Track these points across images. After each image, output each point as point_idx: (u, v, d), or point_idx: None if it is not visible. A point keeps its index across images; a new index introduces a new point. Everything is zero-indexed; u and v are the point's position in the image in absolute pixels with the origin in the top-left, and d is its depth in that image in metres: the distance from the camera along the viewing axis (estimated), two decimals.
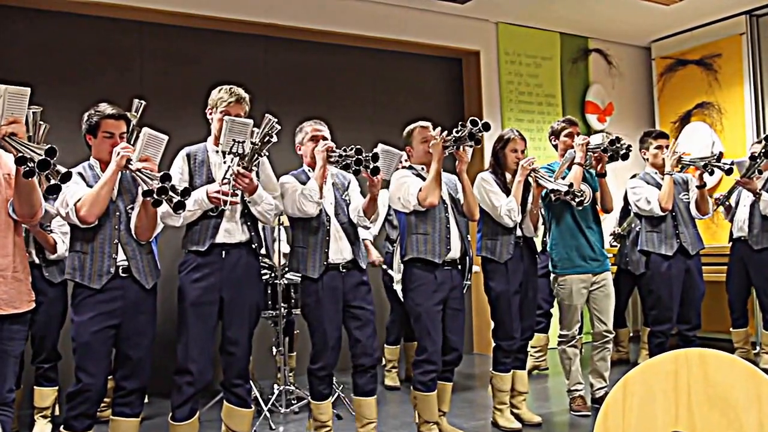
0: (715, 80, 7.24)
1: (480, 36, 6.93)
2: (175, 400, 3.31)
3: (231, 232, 3.40)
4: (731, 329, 5.74)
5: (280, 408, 4.58)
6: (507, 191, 4.13)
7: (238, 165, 3.24)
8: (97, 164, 3.22)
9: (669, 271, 4.54)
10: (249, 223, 3.45)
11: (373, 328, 3.64)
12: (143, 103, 4.11)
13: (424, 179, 3.86)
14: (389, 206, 5.51)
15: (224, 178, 3.26)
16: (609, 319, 4.46)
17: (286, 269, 4.72)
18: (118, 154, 2.99)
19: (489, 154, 6.76)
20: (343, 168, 3.58)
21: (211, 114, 3.54)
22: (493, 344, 4.18)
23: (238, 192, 3.30)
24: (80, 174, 3.17)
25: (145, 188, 2.89)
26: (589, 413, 4.42)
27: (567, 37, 7.42)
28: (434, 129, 4.00)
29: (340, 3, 6.14)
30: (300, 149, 3.83)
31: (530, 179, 4.12)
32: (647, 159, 4.79)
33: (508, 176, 4.21)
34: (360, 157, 3.44)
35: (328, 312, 3.56)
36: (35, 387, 4.27)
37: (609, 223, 6.99)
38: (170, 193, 2.86)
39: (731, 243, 5.68)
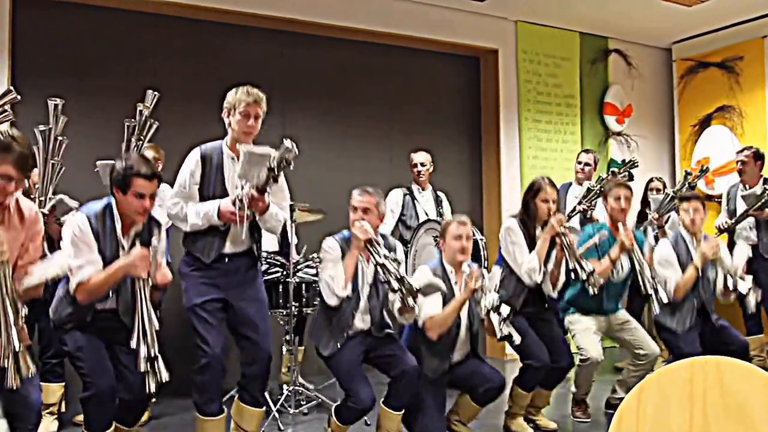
0: (737, 83, 7.17)
1: (498, 34, 6.90)
2: (199, 397, 3.36)
3: (236, 243, 3.43)
4: (746, 337, 5.69)
5: (289, 409, 4.58)
6: (534, 243, 4.07)
7: (255, 190, 3.24)
8: (118, 217, 3.10)
9: None
10: (254, 234, 3.47)
11: (407, 361, 3.58)
12: (156, 94, 4.12)
13: (446, 292, 3.78)
14: (402, 205, 5.51)
15: (238, 198, 3.26)
16: (649, 343, 4.35)
17: (298, 267, 4.72)
18: (136, 267, 2.92)
19: (505, 158, 6.82)
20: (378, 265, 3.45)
21: (228, 116, 3.50)
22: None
23: (250, 212, 3.30)
24: (89, 223, 3.03)
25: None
26: (588, 420, 4.40)
27: (587, 37, 7.37)
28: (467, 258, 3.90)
29: None
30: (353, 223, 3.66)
31: (556, 240, 3.99)
32: (681, 221, 4.68)
33: (538, 229, 4.13)
34: (403, 288, 3.29)
35: (356, 378, 3.50)
36: (42, 383, 4.28)
37: None
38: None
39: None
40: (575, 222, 5.76)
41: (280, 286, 4.64)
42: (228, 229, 3.40)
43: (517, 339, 3.61)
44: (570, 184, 6.05)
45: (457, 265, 3.86)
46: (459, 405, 3.96)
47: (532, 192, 4.14)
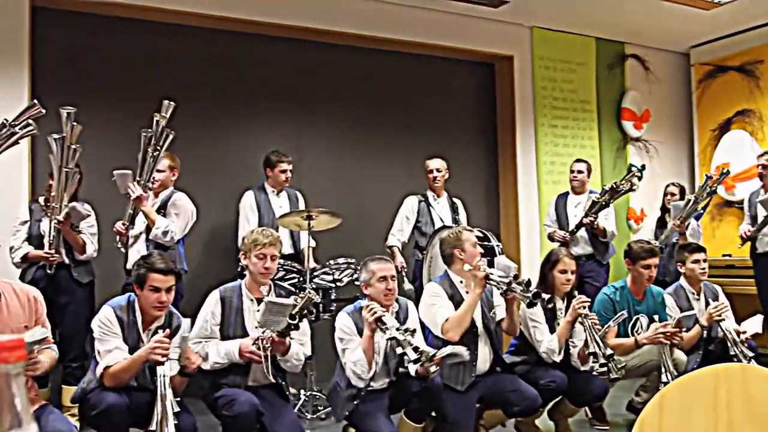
0: (757, 87, 7.08)
1: (514, 40, 6.87)
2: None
3: (259, 380, 3.46)
4: None
5: (306, 414, 4.57)
6: (554, 315, 4.05)
7: (276, 335, 3.27)
8: (139, 311, 3.20)
9: None
10: (279, 373, 3.48)
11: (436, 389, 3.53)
12: (173, 104, 4.15)
13: (457, 300, 3.77)
14: (418, 212, 5.49)
15: (260, 339, 3.30)
16: (677, 352, 4.28)
17: (315, 274, 4.72)
18: (153, 350, 2.97)
19: (521, 164, 6.78)
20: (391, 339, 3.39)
21: (245, 258, 3.55)
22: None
23: (269, 354, 3.32)
24: (115, 314, 3.15)
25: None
26: (607, 428, 4.35)
27: (603, 42, 7.32)
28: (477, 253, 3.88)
29: (373, 6, 6.14)
30: (366, 289, 3.62)
31: (578, 322, 3.93)
32: (683, 273, 4.67)
33: (558, 302, 4.10)
34: (421, 358, 3.20)
35: (376, 417, 3.45)
36: (63, 386, 4.33)
37: (644, 233, 6.89)
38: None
39: (754, 258, 5.61)
40: (583, 232, 5.73)
41: (297, 291, 4.63)
42: (249, 367, 3.44)
43: (546, 296, 3.56)
44: (567, 193, 6.03)
45: (465, 274, 3.83)
46: (486, 414, 3.94)
47: (549, 263, 4.13)
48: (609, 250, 5.78)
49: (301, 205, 5.31)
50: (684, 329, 4.16)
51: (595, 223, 5.58)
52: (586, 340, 3.85)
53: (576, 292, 4.11)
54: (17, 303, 2.87)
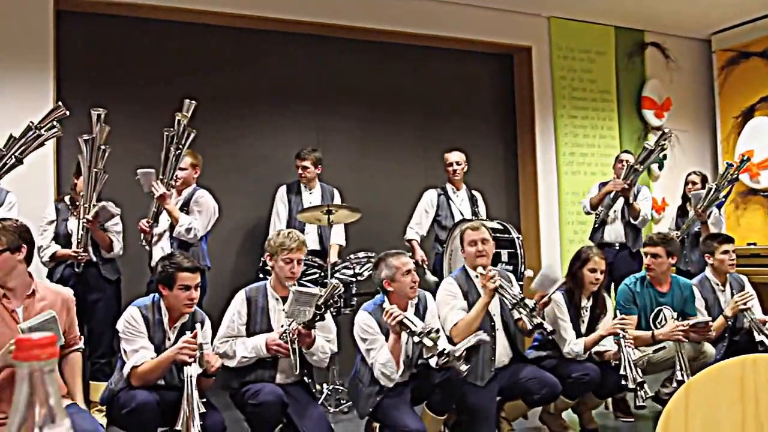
0: None
1: (531, 31, 6.82)
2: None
3: (287, 374, 3.47)
4: None
5: (329, 407, 4.59)
6: (579, 313, 4.06)
7: (302, 326, 3.30)
8: (165, 309, 3.25)
9: None
10: (304, 369, 3.49)
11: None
12: (194, 103, 4.17)
13: (472, 297, 3.79)
14: (437, 205, 5.48)
15: (285, 332, 3.32)
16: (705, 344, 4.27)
17: (336, 268, 4.73)
18: (181, 350, 3.01)
19: (541, 156, 6.74)
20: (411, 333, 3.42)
21: (271, 260, 3.57)
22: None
23: (296, 347, 3.34)
24: (141, 313, 3.20)
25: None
26: (632, 420, 4.33)
27: (622, 30, 7.25)
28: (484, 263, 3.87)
29: (391, 1, 6.12)
30: (390, 285, 3.59)
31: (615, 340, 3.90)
32: (711, 264, 4.62)
33: (583, 300, 4.10)
34: (449, 359, 3.25)
35: (401, 410, 3.44)
36: (91, 381, 4.39)
37: (666, 222, 6.83)
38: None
39: None
40: (618, 224, 5.69)
41: (319, 287, 4.65)
42: (276, 362, 3.46)
43: (548, 327, 3.58)
44: (608, 182, 5.94)
45: (480, 267, 3.83)
46: (506, 406, 3.93)
47: (579, 261, 4.11)
48: (639, 239, 5.70)
49: (336, 200, 5.31)
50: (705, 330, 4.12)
51: (630, 198, 5.50)
52: (618, 355, 3.82)
53: (608, 298, 4.13)
54: (49, 302, 2.91)
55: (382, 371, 3.41)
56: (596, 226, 5.81)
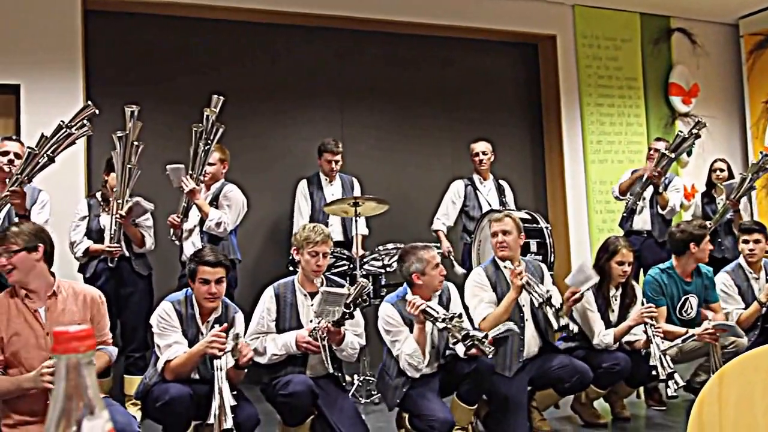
0: None
1: (556, 20, 6.75)
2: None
3: (316, 371, 3.48)
4: None
5: (360, 399, 4.60)
6: (607, 303, 4.03)
7: (331, 324, 3.30)
8: (197, 304, 3.28)
9: None
10: (335, 363, 3.49)
11: (480, 357, 3.47)
12: (222, 98, 4.19)
13: (501, 289, 3.77)
14: (464, 196, 5.45)
15: (315, 330, 3.33)
16: (737, 330, 4.16)
17: (364, 260, 4.74)
18: (210, 344, 3.03)
19: (567, 145, 6.68)
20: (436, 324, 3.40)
21: (297, 254, 3.58)
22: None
23: (325, 344, 3.35)
24: (174, 308, 3.24)
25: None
26: (664, 408, 4.29)
27: (647, 17, 7.14)
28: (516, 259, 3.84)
29: None
30: (420, 278, 3.57)
31: (644, 329, 3.85)
32: (741, 251, 4.54)
33: (612, 290, 4.07)
34: (474, 342, 3.23)
35: (430, 399, 3.45)
36: (125, 375, 4.44)
37: (691, 211, 6.71)
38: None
39: None
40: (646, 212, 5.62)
41: (347, 279, 4.66)
42: (306, 358, 3.47)
43: (574, 328, 3.57)
44: (642, 169, 5.85)
45: (505, 260, 3.81)
46: (537, 396, 3.91)
47: (607, 253, 4.06)
48: (667, 228, 5.62)
49: (357, 192, 5.33)
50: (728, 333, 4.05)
51: (660, 187, 5.43)
52: (648, 342, 3.79)
53: (638, 287, 4.10)
54: (73, 302, 2.93)
55: (409, 361, 3.41)
56: (625, 214, 5.75)
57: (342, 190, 5.26)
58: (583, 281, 3.81)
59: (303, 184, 5.27)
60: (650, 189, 5.53)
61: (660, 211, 5.56)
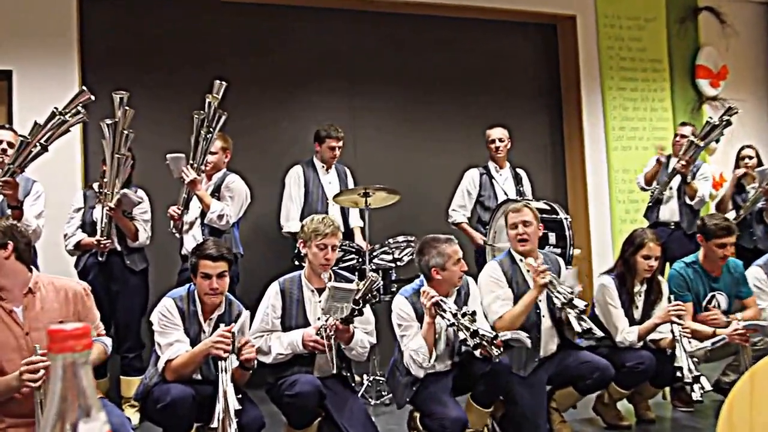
0: None
1: None
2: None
3: (323, 371, 3.47)
4: None
5: (370, 400, 4.61)
6: (631, 299, 4.01)
7: (339, 322, 3.29)
8: (199, 301, 3.29)
9: None
10: (343, 363, 3.51)
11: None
12: (224, 84, 4.19)
13: (518, 285, 3.76)
14: (480, 185, 5.43)
15: (322, 328, 3.32)
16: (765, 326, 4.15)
17: (374, 253, 4.73)
18: (215, 344, 3.03)
19: (588, 131, 6.64)
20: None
21: (304, 247, 3.57)
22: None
23: (333, 343, 3.34)
24: (176, 305, 3.24)
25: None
26: (692, 409, 4.27)
27: None
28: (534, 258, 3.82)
29: None
30: (439, 274, 3.57)
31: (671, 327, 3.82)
32: None
33: (637, 285, 4.06)
34: (483, 342, 3.21)
35: (443, 399, 3.45)
36: (121, 377, 4.45)
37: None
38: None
39: None
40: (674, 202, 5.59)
41: (356, 274, 4.66)
42: (313, 358, 3.47)
43: (598, 333, 3.55)
44: (669, 157, 5.82)
45: (525, 254, 3.79)
46: (557, 395, 3.90)
47: (633, 246, 4.04)
48: (695, 220, 5.59)
49: (350, 182, 5.32)
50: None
51: (688, 176, 5.40)
52: (673, 341, 3.76)
53: (664, 282, 4.08)
54: (53, 298, 2.91)
55: (414, 357, 3.41)
56: (650, 204, 5.72)
57: (338, 179, 5.25)
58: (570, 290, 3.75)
59: (298, 170, 5.20)
60: (677, 177, 5.49)
61: (688, 201, 5.53)
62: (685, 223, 5.56)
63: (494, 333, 3.32)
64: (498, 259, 3.97)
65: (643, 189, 5.83)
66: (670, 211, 5.62)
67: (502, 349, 3.28)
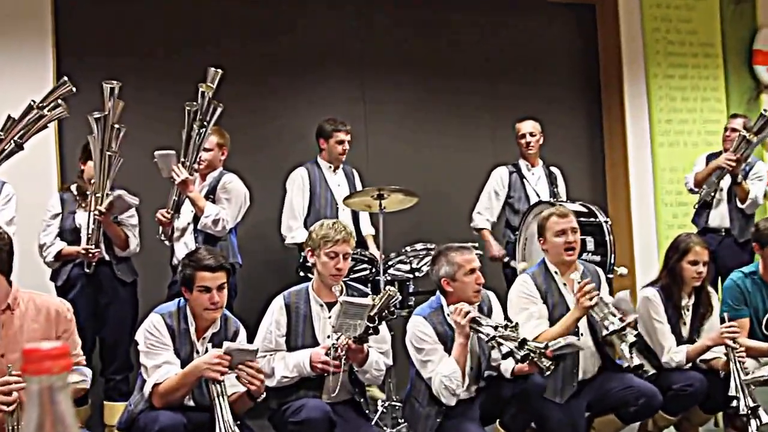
0: None
1: None
2: None
3: (333, 396, 3.44)
4: None
5: (385, 428, 4.57)
6: (678, 312, 3.99)
7: (352, 341, 3.27)
8: (191, 317, 3.27)
9: None
10: (356, 388, 3.49)
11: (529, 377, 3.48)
12: (220, 72, 4.19)
13: (553, 302, 3.74)
14: (509, 185, 5.42)
15: (332, 347, 3.31)
16: None
17: (389, 263, 4.72)
18: (210, 365, 3.02)
19: (631, 124, 6.61)
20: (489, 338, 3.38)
21: (312, 256, 3.56)
22: None
23: (346, 364, 3.34)
24: (164, 322, 3.23)
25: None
26: None
27: None
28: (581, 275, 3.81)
29: None
30: (449, 285, 3.59)
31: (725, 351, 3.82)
32: None
33: (684, 299, 4.04)
34: (532, 353, 3.20)
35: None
36: (105, 402, 4.45)
37: None
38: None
39: None
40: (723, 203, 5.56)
41: (369, 286, 4.63)
42: (322, 381, 3.45)
43: (650, 370, 3.53)
44: (717, 154, 5.77)
45: (565, 266, 3.78)
46: (597, 423, 3.88)
47: (678, 252, 4.04)
48: (749, 225, 5.55)
49: (357, 184, 5.32)
50: None
51: (739, 176, 5.37)
52: (727, 364, 3.75)
53: (714, 294, 4.06)
54: (33, 317, 2.91)
55: (447, 384, 3.39)
56: (697, 208, 5.68)
57: (346, 181, 5.24)
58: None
59: (302, 173, 5.15)
60: (728, 178, 5.45)
61: (739, 204, 5.49)
62: (736, 229, 5.53)
63: (544, 342, 3.30)
64: (530, 271, 3.95)
65: (692, 191, 5.81)
66: (720, 216, 5.60)
67: (552, 362, 3.28)
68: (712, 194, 5.56)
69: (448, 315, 3.51)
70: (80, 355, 3.10)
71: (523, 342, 3.19)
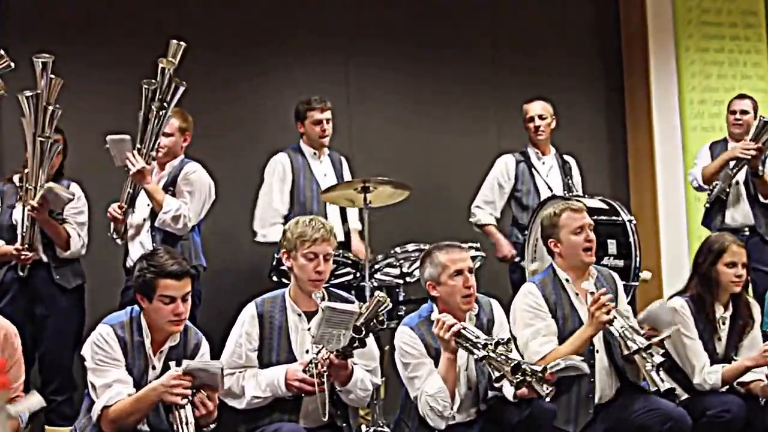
0: None
1: None
2: None
3: (312, 419, 3.45)
4: None
5: None
6: (713, 327, 4.01)
7: (334, 355, 3.26)
8: (146, 328, 3.26)
9: None
10: (337, 410, 3.49)
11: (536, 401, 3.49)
12: (183, 44, 4.21)
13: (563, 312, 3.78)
14: (516, 176, 5.44)
15: (312, 363, 3.31)
16: None
17: (376, 267, 4.74)
18: (168, 388, 3.03)
19: (658, 107, 6.64)
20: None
21: (288, 258, 3.56)
22: None
23: (328, 382, 3.33)
24: (118, 336, 3.21)
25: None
26: None
27: None
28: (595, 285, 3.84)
29: None
30: (434, 290, 3.61)
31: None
32: None
33: (719, 310, 4.06)
34: (527, 377, 3.20)
35: None
36: (47, 427, 4.44)
37: None
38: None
39: None
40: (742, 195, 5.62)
41: (353, 293, 4.65)
42: (299, 402, 3.46)
43: (683, 395, 3.55)
44: (725, 141, 5.84)
45: (579, 270, 3.81)
46: None
47: (711, 254, 4.05)
48: None
49: (346, 173, 5.32)
50: None
51: (759, 167, 5.40)
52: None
53: (755, 304, 4.11)
54: None
55: (431, 405, 3.40)
56: (707, 206, 5.70)
57: (333, 170, 5.25)
58: (664, 324, 3.77)
59: (282, 159, 5.16)
60: (745, 169, 5.50)
61: (762, 199, 5.52)
62: (762, 226, 5.56)
63: (542, 365, 3.31)
64: (537, 278, 3.95)
65: (700, 189, 5.82)
66: (741, 214, 5.62)
67: (553, 387, 3.30)
68: (727, 190, 5.59)
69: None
70: (20, 389, 2.91)
71: (518, 366, 3.18)
